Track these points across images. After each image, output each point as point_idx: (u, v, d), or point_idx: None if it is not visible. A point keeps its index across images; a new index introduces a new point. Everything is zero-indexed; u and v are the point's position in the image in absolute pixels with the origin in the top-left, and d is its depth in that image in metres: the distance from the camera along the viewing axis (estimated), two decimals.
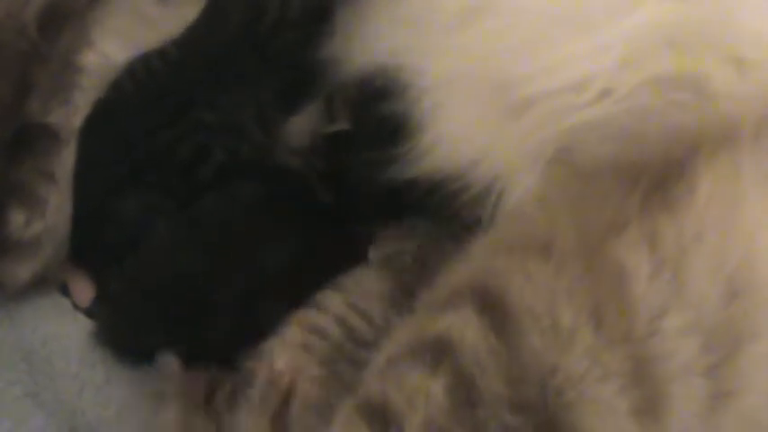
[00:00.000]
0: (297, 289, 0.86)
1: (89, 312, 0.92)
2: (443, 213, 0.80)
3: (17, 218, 0.91)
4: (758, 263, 0.60)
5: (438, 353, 0.61)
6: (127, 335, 0.89)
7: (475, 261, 0.67)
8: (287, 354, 0.80)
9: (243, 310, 0.85)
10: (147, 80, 0.94)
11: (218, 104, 0.93)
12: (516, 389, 0.59)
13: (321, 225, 0.88)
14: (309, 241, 0.88)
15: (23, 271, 0.91)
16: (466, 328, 0.61)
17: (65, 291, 0.95)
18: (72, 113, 0.95)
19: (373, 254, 0.85)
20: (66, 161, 0.94)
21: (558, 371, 0.59)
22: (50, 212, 0.92)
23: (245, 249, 0.87)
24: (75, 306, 0.93)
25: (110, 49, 0.97)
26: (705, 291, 0.60)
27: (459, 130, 0.78)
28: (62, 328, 0.91)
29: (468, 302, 0.62)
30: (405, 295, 0.78)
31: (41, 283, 0.94)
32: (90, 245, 0.94)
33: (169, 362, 0.84)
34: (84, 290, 0.94)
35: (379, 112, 0.83)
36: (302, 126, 0.90)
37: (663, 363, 0.58)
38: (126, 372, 0.89)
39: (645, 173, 0.64)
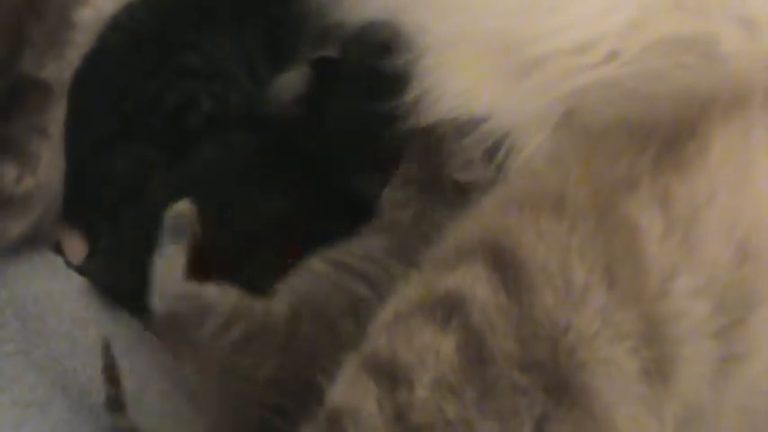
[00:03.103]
0: (293, 242, 0.85)
1: (81, 270, 0.91)
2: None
3: (9, 173, 0.90)
4: None
5: (448, 310, 0.60)
6: (121, 290, 0.88)
7: (485, 218, 0.66)
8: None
9: (239, 262, 0.84)
10: (131, 30, 0.94)
11: (203, 49, 0.92)
12: (527, 347, 0.58)
13: (318, 180, 0.87)
14: (307, 195, 0.87)
15: (14, 227, 0.90)
16: (476, 284, 0.60)
17: (58, 248, 0.94)
18: (66, 69, 0.94)
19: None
20: (59, 117, 0.93)
21: (571, 329, 0.58)
22: (43, 168, 0.91)
23: (241, 200, 0.87)
24: (69, 264, 0.92)
25: (104, 4, 0.96)
26: (717, 252, 0.59)
27: (463, 88, 0.78)
28: (55, 286, 0.90)
29: (479, 259, 0.61)
30: (404, 253, 0.77)
31: (34, 241, 0.93)
32: (82, 201, 0.93)
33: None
34: (77, 247, 0.93)
35: (379, 65, 0.82)
36: (292, 82, 0.88)
37: (673, 324, 0.58)
38: (118, 331, 0.89)
39: (656, 132, 0.63)
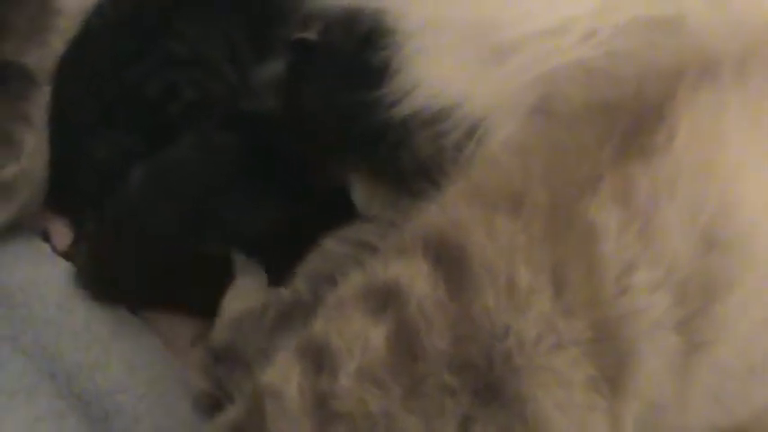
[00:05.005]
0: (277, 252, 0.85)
1: (67, 256, 0.91)
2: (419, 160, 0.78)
3: None
4: (736, 210, 0.57)
5: (384, 299, 0.58)
6: (105, 278, 0.89)
7: (441, 208, 0.63)
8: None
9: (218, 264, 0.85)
10: (114, 16, 0.93)
11: (186, 37, 0.91)
12: (461, 347, 0.56)
13: (300, 184, 0.86)
14: (288, 207, 0.86)
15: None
16: (417, 277, 0.58)
17: (45, 235, 0.94)
18: (49, 55, 0.94)
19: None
20: (42, 103, 0.93)
21: (510, 334, 0.55)
22: (26, 155, 0.91)
23: (221, 205, 0.86)
24: (55, 250, 0.93)
25: None
26: (677, 242, 0.56)
27: (440, 73, 0.76)
28: (41, 273, 0.90)
29: (422, 251, 0.59)
30: None
31: (20, 228, 0.93)
32: (66, 188, 0.93)
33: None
34: (63, 233, 0.93)
35: (363, 55, 0.80)
36: (272, 74, 0.88)
37: (631, 321, 0.55)
38: (104, 316, 0.89)
39: (621, 117, 0.61)
